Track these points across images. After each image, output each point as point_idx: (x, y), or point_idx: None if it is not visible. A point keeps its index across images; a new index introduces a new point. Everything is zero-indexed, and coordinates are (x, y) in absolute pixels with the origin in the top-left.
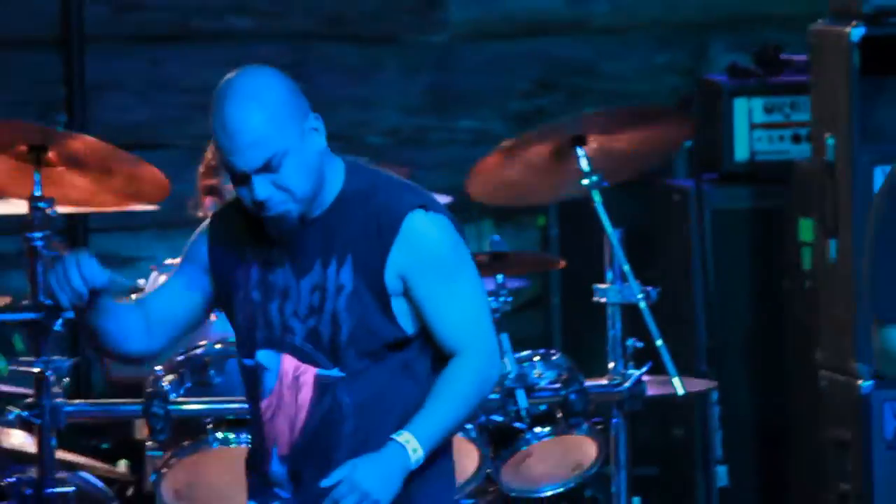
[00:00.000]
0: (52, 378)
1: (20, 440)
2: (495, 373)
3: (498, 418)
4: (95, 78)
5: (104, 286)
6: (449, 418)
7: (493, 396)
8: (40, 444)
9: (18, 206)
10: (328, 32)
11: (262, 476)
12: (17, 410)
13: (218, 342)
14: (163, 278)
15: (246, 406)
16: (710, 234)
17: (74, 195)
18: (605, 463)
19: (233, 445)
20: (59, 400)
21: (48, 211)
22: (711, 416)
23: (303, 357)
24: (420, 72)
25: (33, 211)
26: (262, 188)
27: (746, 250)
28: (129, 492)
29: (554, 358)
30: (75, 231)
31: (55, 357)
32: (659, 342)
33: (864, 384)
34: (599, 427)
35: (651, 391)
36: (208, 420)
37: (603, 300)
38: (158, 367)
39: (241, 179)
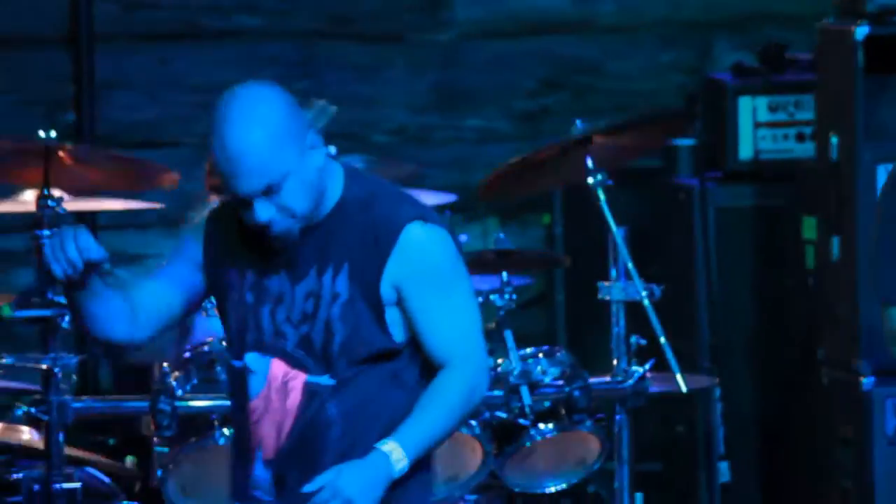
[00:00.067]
0: (60, 375)
1: (28, 436)
2: (484, 386)
3: (502, 415)
4: (104, 76)
5: (99, 260)
6: (435, 429)
7: (496, 393)
8: (48, 441)
9: (27, 204)
10: (335, 31)
11: (244, 479)
12: (24, 407)
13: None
14: None
15: None
16: (714, 231)
17: (86, 185)
18: (608, 459)
19: None
20: (66, 396)
21: (57, 208)
22: (714, 413)
23: (293, 363)
24: (426, 70)
25: (42, 208)
26: (264, 211)
27: (750, 248)
28: (136, 488)
29: (558, 355)
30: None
31: (63, 354)
32: (662, 339)
33: (866, 381)
34: (603, 423)
35: (654, 388)
36: (214, 416)
37: (607, 298)
38: (165, 364)
39: (243, 202)
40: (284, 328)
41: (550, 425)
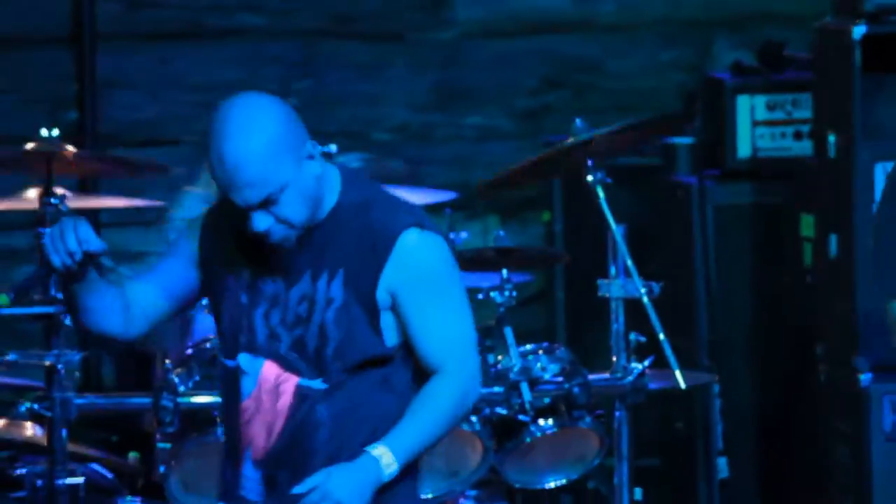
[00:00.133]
0: (63, 371)
1: (31, 432)
2: (475, 393)
3: (502, 411)
4: (106, 75)
5: (98, 252)
6: (425, 435)
7: (497, 389)
8: (51, 437)
9: (30, 202)
10: (337, 30)
11: (233, 478)
12: (28, 403)
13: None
14: None
15: None
16: (713, 229)
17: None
18: (607, 455)
19: None
20: (69, 393)
21: (59, 206)
22: (713, 409)
23: (286, 365)
24: (427, 69)
25: (44, 206)
26: (261, 221)
27: (748, 246)
28: (139, 483)
29: (557, 352)
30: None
31: (66, 350)
32: (661, 336)
33: (864, 377)
34: (602, 420)
35: (653, 384)
36: (217, 413)
37: (606, 295)
38: (167, 361)
39: (241, 210)
40: (278, 330)
41: (550, 421)
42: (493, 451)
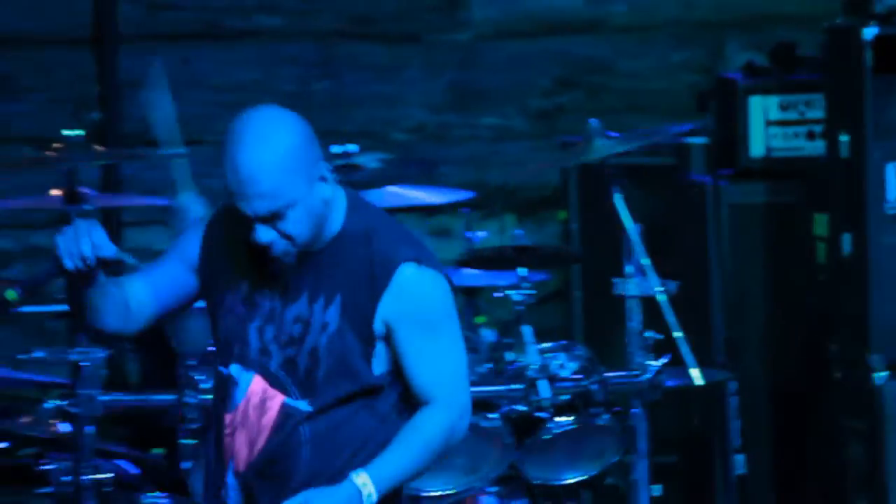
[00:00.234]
0: (89, 369)
1: (57, 429)
2: (464, 428)
3: (521, 408)
4: (128, 76)
5: (111, 258)
6: (409, 466)
7: (516, 386)
8: (77, 433)
9: (54, 201)
10: (355, 31)
11: (216, 484)
12: (54, 400)
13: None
14: None
15: None
16: (727, 228)
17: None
18: (625, 452)
19: None
20: (95, 390)
21: (84, 205)
22: (729, 407)
23: (274, 382)
24: (444, 70)
25: (68, 205)
26: (265, 234)
27: (762, 244)
28: (163, 479)
29: (576, 349)
30: (109, 225)
31: (91, 348)
32: (678, 334)
33: (878, 375)
34: (620, 417)
35: (670, 382)
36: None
37: (622, 293)
38: (191, 359)
39: (246, 219)
40: (270, 347)
41: (569, 418)
42: (512, 448)
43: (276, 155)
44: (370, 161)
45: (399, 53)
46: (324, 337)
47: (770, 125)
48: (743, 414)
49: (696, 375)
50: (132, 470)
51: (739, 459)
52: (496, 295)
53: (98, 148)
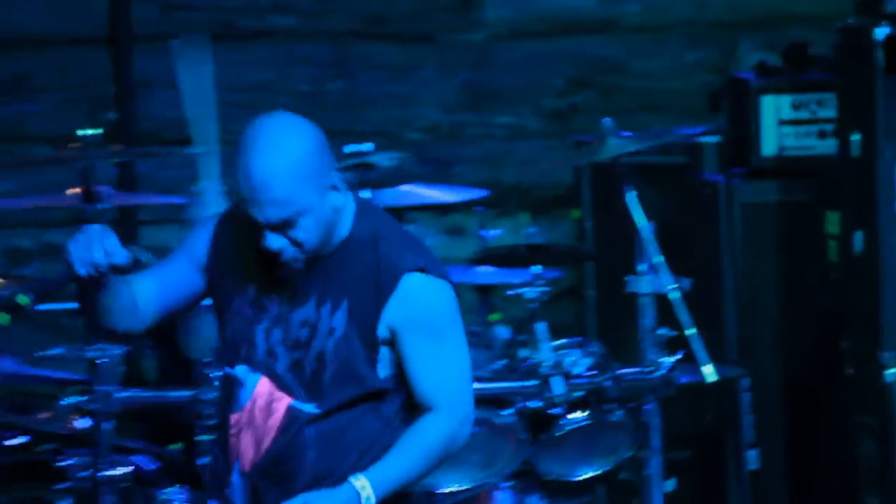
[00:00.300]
0: (106, 365)
1: (76, 425)
2: (465, 436)
3: (536, 404)
4: (143, 75)
5: (123, 265)
6: (409, 472)
7: (531, 383)
8: (94, 429)
9: (70, 200)
10: (369, 31)
11: (221, 480)
12: (72, 396)
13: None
14: None
15: None
16: (740, 226)
17: None
18: (639, 447)
19: None
20: (112, 386)
21: (100, 203)
22: (742, 403)
23: (281, 385)
24: (458, 70)
25: (85, 203)
26: (275, 240)
27: (774, 242)
28: (182, 474)
29: (590, 346)
30: (125, 223)
31: (109, 345)
32: (691, 331)
33: (889, 372)
34: (633, 413)
35: (684, 378)
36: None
37: (635, 291)
38: (207, 356)
39: (257, 224)
40: (277, 349)
41: (583, 414)
42: (527, 444)
43: (288, 163)
44: (385, 160)
45: (413, 53)
46: (330, 341)
47: (782, 124)
48: (755, 410)
49: (709, 372)
50: (150, 465)
51: (752, 455)
52: (510, 293)
53: (114, 146)
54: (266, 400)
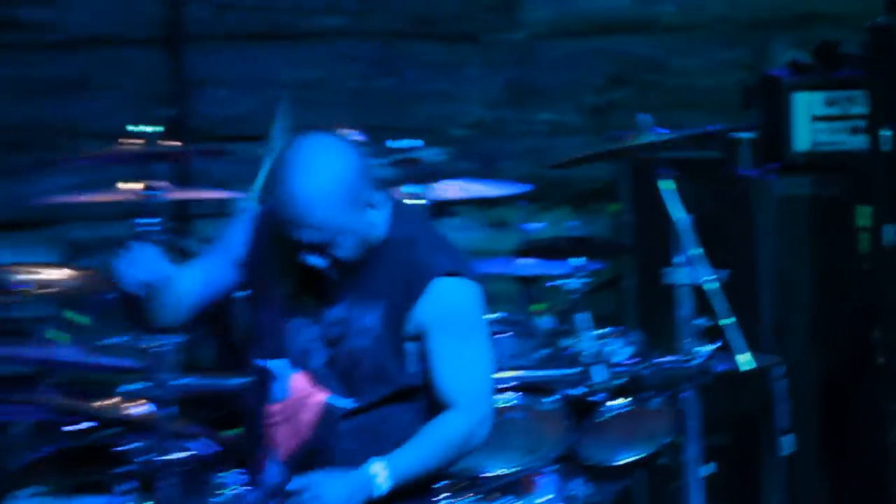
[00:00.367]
0: (164, 354)
1: (136, 411)
2: (482, 435)
3: (579, 391)
4: (197, 74)
5: (167, 279)
6: (426, 463)
7: (574, 370)
8: (154, 415)
9: (129, 194)
10: (415, 31)
11: (258, 465)
12: (132, 384)
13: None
14: None
15: None
16: (774, 220)
17: None
18: (677, 433)
19: None
20: (169, 374)
21: (159, 197)
22: (778, 390)
23: (317, 380)
24: (500, 68)
25: (145, 197)
26: (313, 259)
27: (807, 235)
28: (238, 459)
29: (630, 335)
30: (180, 217)
31: (167, 334)
32: (729, 320)
33: None
34: (672, 400)
35: (721, 366)
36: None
37: (673, 282)
38: None
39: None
40: (311, 346)
41: (623, 401)
42: (570, 430)
43: (327, 187)
44: (432, 155)
45: (458, 52)
46: (362, 340)
47: (815, 120)
48: (791, 396)
49: (746, 360)
50: (208, 450)
51: (788, 440)
52: (551, 284)
53: (171, 143)
54: (302, 395)
